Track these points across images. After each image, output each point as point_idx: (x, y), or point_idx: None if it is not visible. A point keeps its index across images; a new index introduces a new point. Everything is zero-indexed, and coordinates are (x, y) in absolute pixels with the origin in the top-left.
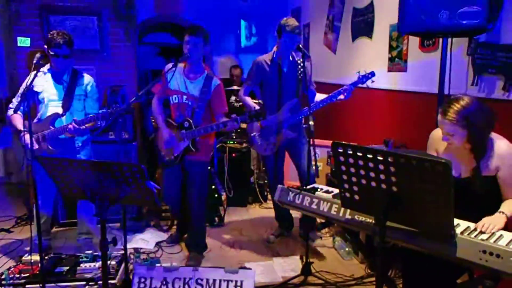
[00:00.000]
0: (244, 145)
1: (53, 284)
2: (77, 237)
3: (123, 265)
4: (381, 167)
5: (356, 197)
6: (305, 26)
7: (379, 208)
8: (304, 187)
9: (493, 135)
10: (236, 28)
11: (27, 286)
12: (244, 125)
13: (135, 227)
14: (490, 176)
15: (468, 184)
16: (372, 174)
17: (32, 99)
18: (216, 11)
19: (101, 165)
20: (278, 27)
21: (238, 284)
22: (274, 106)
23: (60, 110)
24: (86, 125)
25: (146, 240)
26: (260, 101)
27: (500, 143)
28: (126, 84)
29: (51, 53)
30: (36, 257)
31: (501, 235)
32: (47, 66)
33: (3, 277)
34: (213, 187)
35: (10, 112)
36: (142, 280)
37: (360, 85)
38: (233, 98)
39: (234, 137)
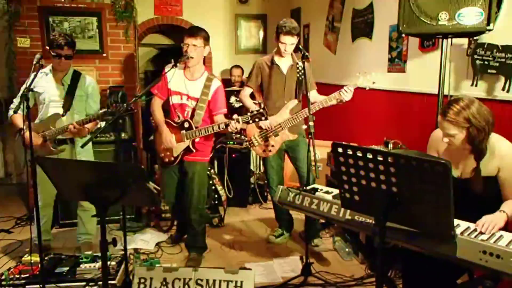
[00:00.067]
0: (244, 145)
1: (53, 285)
2: (77, 238)
3: (123, 265)
4: (381, 167)
5: (356, 197)
6: (305, 27)
7: (379, 208)
8: (304, 188)
9: (494, 135)
10: (236, 29)
11: (27, 286)
12: (244, 126)
13: (135, 228)
14: (491, 176)
15: (468, 184)
16: (372, 175)
17: (33, 99)
18: (216, 12)
19: (101, 165)
20: (276, 29)
21: (238, 284)
22: (275, 107)
23: (60, 111)
24: (87, 125)
25: (146, 241)
26: (260, 101)
27: (500, 144)
28: (126, 84)
29: (52, 54)
30: (36, 258)
31: (501, 236)
32: (49, 66)
33: (3, 277)
34: (213, 187)
35: (11, 112)
36: (142, 280)
37: (360, 87)
38: (232, 98)
39: (234, 137)
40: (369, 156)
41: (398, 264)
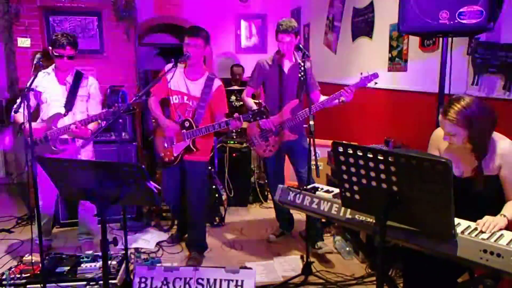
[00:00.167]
0: (245, 145)
1: (54, 284)
2: (77, 237)
3: (123, 265)
4: (382, 166)
5: (357, 196)
6: (305, 26)
7: (379, 207)
8: (305, 187)
9: (495, 134)
10: (236, 28)
11: (28, 286)
12: (245, 125)
13: (135, 227)
14: (492, 175)
15: (470, 183)
16: (373, 174)
17: (35, 99)
18: (216, 12)
19: (101, 165)
20: (276, 28)
21: (239, 283)
22: (275, 107)
23: (62, 110)
24: (90, 126)
25: (146, 240)
26: (260, 101)
27: (502, 143)
28: (126, 84)
29: (55, 54)
30: (37, 257)
31: (501, 235)
32: (52, 66)
33: (4, 277)
34: (214, 187)
35: (13, 112)
36: (143, 280)
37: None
38: (233, 97)
39: (234, 137)
40: (370, 155)
41: (399, 263)
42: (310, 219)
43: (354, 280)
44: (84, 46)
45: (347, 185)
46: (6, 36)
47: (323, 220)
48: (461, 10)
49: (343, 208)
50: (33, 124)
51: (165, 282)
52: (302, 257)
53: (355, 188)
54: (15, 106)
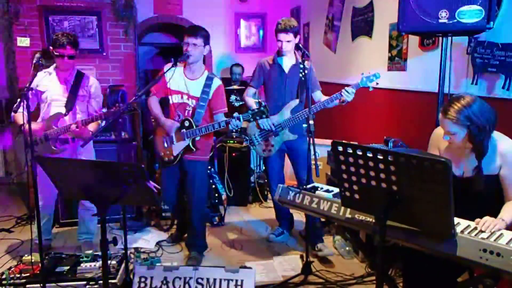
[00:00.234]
0: (244, 144)
1: (53, 284)
2: (77, 237)
3: (123, 264)
4: (381, 166)
5: (356, 196)
6: (304, 26)
7: (379, 207)
8: (304, 187)
9: (495, 133)
10: (235, 28)
11: (27, 286)
12: (244, 125)
13: (135, 227)
14: (492, 175)
15: (470, 183)
16: (372, 173)
17: (36, 99)
18: (216, 11)
19: (101, 165)
20: (275, 27)
21: (239, 283)
22: (276, 107)
23: (63, 110)
24: (90, 127)
25: (146, 240)
26: (261, 100)
27: (502, 142)
28: (126, 84)
29: (55, 53)
30: (36, 257)
31: (501, 234)
32: (53, 66)
33: (3, 277)
34: (213, 186)
35: (12, 112)
36: (143, 279)
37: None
38: (232, 97)
39: (234, 136)
40: (369, 154)
41: (399, 263)
42: (310, 219)
43: (353, 280)
44: (83, 45)
45: (346, 185)
46: (6, 35)
47: (323, 220)
48: (460, 9)
49: (342, 208)
50: (33, 124)
51: (164, 282)
52: (301, 257)
53: (355, 187)
54: (14, 105)
